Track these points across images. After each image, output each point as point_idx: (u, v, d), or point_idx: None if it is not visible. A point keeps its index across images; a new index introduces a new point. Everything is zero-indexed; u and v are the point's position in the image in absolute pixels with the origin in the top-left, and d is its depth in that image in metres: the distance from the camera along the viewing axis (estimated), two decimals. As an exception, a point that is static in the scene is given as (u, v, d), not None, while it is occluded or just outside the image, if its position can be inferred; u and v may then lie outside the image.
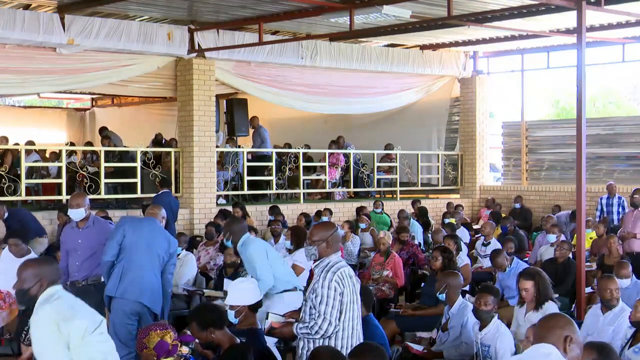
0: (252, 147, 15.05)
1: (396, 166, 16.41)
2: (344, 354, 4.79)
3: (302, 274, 8.83)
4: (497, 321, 6.27)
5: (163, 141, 16.20)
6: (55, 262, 4.37)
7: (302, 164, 14.95)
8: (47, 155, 15.07)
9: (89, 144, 17.53)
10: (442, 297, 7.05)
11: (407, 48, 16.23)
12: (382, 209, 14.13)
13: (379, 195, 16.43)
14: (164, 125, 17.23)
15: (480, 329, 6.29)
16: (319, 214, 13.13)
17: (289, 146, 16.00)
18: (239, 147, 14.89)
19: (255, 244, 7.15)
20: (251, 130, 15.33)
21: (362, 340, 5.09)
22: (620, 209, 12.91)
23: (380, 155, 16.54)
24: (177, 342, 4.87)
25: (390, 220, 13.95)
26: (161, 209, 7.43)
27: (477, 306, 6.31)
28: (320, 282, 4.86)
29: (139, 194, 12.93)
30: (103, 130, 15.61)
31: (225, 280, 8.23)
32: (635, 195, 11.17)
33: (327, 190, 15.68)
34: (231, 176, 14.18)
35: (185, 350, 4.95)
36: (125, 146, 14.44)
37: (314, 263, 5.08)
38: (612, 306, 6.48)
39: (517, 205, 15.47)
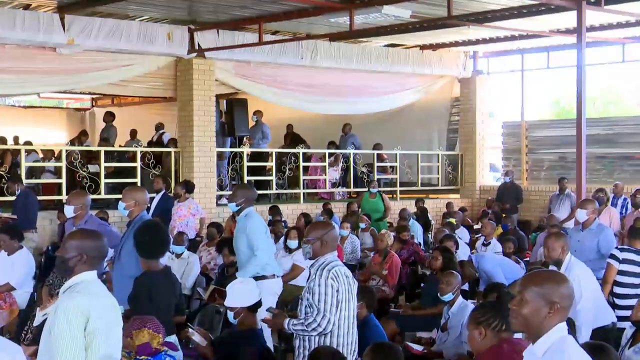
0: (250, 139, 15.09)
1: (395, 166, 16.43)
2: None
3: (303, 274, 8.85)
4: None
5: (162, 131, 16.27)
6: (102, 238, 4.09)
7: (302, 164, 14.97)
8: (41, 154, 15.09)
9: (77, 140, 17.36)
10: (449, 297, 6.98)
11: (407, 48, 16.23)
12: (378, 191, 14.04)
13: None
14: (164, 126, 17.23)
15: None
16: (327, 211, 13.30)
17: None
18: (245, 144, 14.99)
19: (259, 219, 7.17)
20: (252, 123, 15.34)
21: (357, 339, 5.14)
22: (624, 210, 12.91)
23: (382, 156, 16.56)
24: (160, 347, 4.84)
25: (385, 207, 13.88)
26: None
27: None
28: (317, 280, 4.89)
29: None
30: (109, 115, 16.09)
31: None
32: (638, 196, 11.16)
33: (327, 190, 15.68)
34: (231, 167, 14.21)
35: (168, 348, 4.93)
36: (121, 145, 14.47)
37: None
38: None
39: (507, 179, 15.55)
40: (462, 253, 9.84)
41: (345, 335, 4.98)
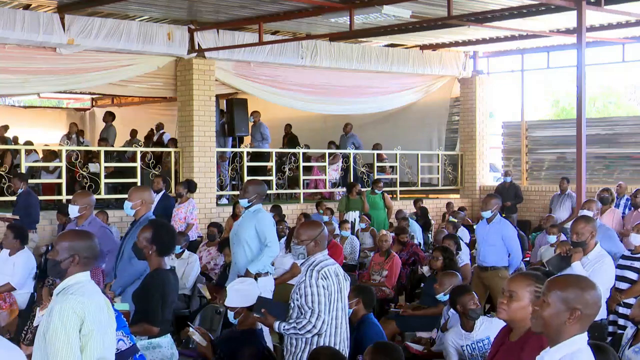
0: (252, 142, 15.09)
1: (395, 166, 16.43)
2: None
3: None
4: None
5: (162, 130, 16.29)
6: (93, 237, 4.05)
7: (302, 164, 14.97)
8: (41, 154, 15.06)
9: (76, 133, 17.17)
10: (446, 298, 6.98)
11: (407, 48, 16.23)
12: (382, 191, 14.09)
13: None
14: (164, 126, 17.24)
15: (468, 329, 6.04)
16: (318, 206, 13.27)
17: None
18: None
19: (268, 214, 7.38)
20: (250, 124, 15.35)
21: (347, 339, 5.18)
22: (627, 210, 12.89)
23: (381, 156, 16.56)
24: None
25: (385, 204, 13.88)
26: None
27: (471, 307, 5.98)
28: (307, 280, 4.94)
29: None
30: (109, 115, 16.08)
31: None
32: (638, 196, 11.16)
33: (327, 190, 15.69)
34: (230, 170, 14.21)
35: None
36: (122, 145, 14.46)
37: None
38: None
39: (507, 179, 15.54)
40: (463, 253, 9.83)
41: (333, 336, 5.01)
